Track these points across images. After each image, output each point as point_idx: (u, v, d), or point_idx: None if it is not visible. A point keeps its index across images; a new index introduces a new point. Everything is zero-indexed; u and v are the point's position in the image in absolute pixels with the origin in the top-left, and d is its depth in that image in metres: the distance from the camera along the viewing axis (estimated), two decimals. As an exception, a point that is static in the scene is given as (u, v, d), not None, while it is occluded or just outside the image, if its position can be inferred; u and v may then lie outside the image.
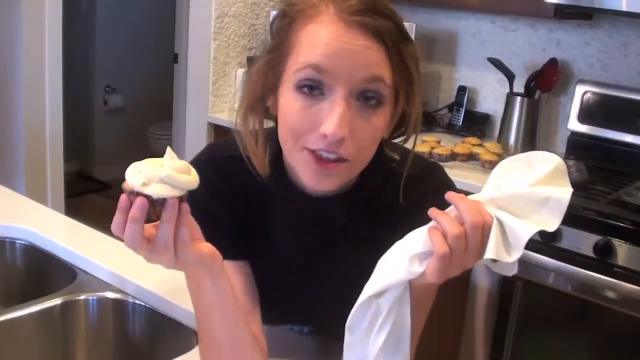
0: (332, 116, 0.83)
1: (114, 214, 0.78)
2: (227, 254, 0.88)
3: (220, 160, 1.00)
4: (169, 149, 0.77)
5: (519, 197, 0.78)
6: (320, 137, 0.84)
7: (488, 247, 0.76)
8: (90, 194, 4.74)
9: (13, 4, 3.05)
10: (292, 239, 1.02)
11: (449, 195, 0.79)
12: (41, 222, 1.52)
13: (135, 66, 5.00)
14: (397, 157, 0.98)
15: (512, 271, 0.79)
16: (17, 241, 1.48)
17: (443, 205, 0.81)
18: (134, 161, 0.78)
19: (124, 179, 0.77)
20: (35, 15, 3.05)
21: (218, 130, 2.93)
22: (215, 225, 0.88)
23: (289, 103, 0.87)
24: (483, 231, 0.77)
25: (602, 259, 1.85)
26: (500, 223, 0.77)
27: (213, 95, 2.94)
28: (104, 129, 4.97)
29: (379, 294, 0.83)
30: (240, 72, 2.97)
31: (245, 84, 0.95)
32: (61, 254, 1.41)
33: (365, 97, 0.85)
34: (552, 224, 0.77)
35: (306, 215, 0.99)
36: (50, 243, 1.43)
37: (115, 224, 0.77)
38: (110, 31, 4.84)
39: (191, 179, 0.77)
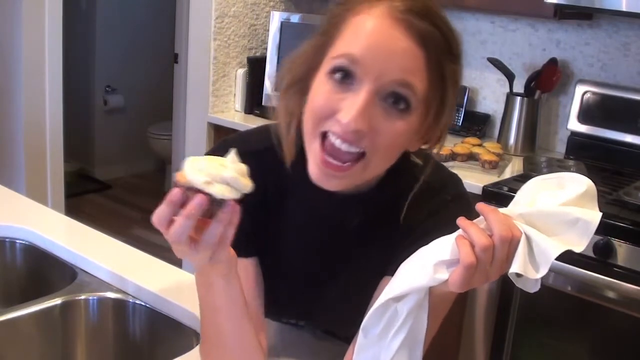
0: (352, 107, 0.82)
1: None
2: (238, 251, 0.87)
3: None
4: (233, 152, 0.78)
5: (549, 216, 0.78)
6: (337, 122, 0.84)
7: (515, 262, 0.76)
8: (90, 194, 4.73)
9: (13, 4, 3.05)
10: (305, 236, 1.02)
11: (480, 207, 0.79)
12: (41, 222, 1.52)
13: (135, 66, 5.00)
14: (420, 162, 0.97)
15: (535, 288, 0.79)
16: (17, 241, 1.48)
17: (460, 215, 0.81)
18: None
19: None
20: (35, 15, 3.06)
21: (218, 130, 2.93)
22: None
23: (319, 86, 0.86)
24: (511, 245, 0.76)
25: (602, 259, 1.85)
26: (529, 239, 0.78)
27: (213, 95, 2.94)
28: (104, 129, 4.98)
29: (398, 298, 0.83)
30: (241, 72, 2.97)
31: (289, 63, 0.94)
32: (61, 254, 1.41)
33: (394, 100, 0.83)
34: (579, 245, 0.78)
35: (322, 213, 0.99)
36: (50, 243, 1.43)
37: (159, 216, 0.76)
38: (110, 31, 4.84)
39: (249, 182, 0.78)
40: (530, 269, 0.77)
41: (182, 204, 0.75)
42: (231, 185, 0.76)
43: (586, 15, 2.41)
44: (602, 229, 1.89)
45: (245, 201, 0.96)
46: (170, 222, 0.75)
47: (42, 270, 1.45)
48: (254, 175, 0.96)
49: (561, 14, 2.26)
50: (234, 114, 2.97)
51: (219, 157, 0.78)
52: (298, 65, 0.92)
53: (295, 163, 0.94)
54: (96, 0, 4.77)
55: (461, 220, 0.78)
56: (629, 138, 2.36)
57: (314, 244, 1.02)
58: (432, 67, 0.84)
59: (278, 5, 3.08)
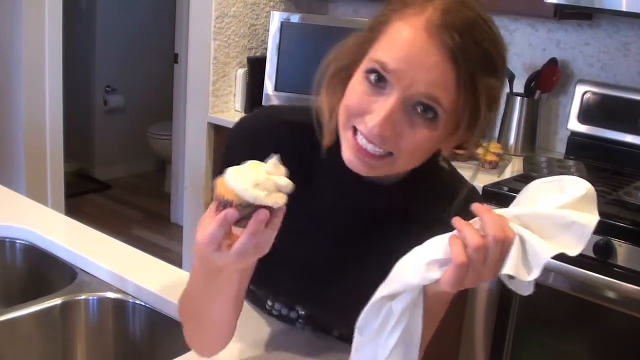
0: (379, 113, 0.85)
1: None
2: None
3: (276, 123, 1.02)
4: (276, 158, 0.78)
5: (545, 218, 0.78)
6: (365, 124, 0.87)
7: (507, 263, 0.76)
8: (90, 194, 4.74)
9: (13, 3, 3.05)
10: (322, 222, 1.03)
11: (475, 207, 0.79)
12: (41, 222, 1.52)
13: (135, 66, 5.00)
14: (447, 167, 1.01)
15: (528, 291, 0.79)
16: (17, 241, 1.48)
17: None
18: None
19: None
20: (35, 15, 3.06)
21: (218, 130, 2.93)
22: None
23: (355, 84, 0.89)
24: (504, 246, 0.76)
25: (602, 259, 1.85)
26: (522, 241, 0.77)
27: (213, 95, 2.94)
28: (104, 129, 4.98)
29: (393, 296, 0.83)
30: (241, 72, 2.97)
31: (335, 52, 0.96)
32: (61, 254, 1.41)
33: (422, 109, 0.86)
34: (574, 249, 0.77)
35: (347, 199, 1.00)
36: (50, 243, 1.43)
37: (212, 237, 0.76)
38: (110, 31, 4.85)
39: (290, 182, 0.79)
40: (522, 271, 0.76)
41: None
42: (282, 191, 0.77)
43: (586, 15, 2.41)
44: (602, 229, 1.89)
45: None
46: (219, 244, 0.77)
47: (42, 270, 1.45)
48: (283, 143, 0.97)
49: (561, 14, 2.26)
50: (234, 114, 2.97)
51: (259, 162, 0.78)
52: (343, 55, 0.94)
53: (331, 147, 0.96)
54: (96, 0, 4.77)
55: (456, 220, 0.79)
56: (629, 138, 2.36)
57: (329, 230, 1.03)
58: (463, 82, 0.85)
59: (278, 5, 3.08)
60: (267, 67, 2.85)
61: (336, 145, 0.94)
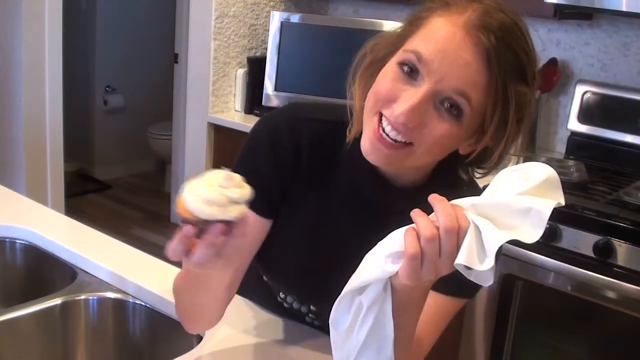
0: (407, 102, 0.86)
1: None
2: (256, 207, 0.90)
3: (297, 120, 1.03)
4: (226, 170, 0.80)
5: (502, 206, 0.76)
6: (392, 111, 0.88)
7: (460, 253, 0.74)
8: (90, 194, 4.73)
9: (13, 4, 3.05)
10: (340, 214, 1.04)
11: (431, 197, 0.79)
12: (41, 222, 1.52)
13: (135, 66, 5.00)
14: (465, 178, 1.03)
15: (488, 281, 0.77)
16: (17, 241, 1.48)
17: None
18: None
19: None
20: (35, 15, 3.06)
21: (218, 130, 2.93)
22: (258, 175, 0.90)
23: (387, 71, 0.91)
24: (458, 237, 0.75)
25: (602, 259, 1.85)
26: (478, 230, 0.75)
27: (213, 95, 2.94)
28: (104, 129, 4.98)
29: (361, 290, 0.83)
30: (241, 72, 2.97)
31: (373, 44, 0.97)
32: (61, 254, 1.41)
33: (449, 105, 0.87)
34: (532, 236, 0.75)
35: (363, 195, 1.01)
36: (50, 243, 1.43)
37: (174, 251, 0.81)
38: (110, 31, 4.84)
39: (248, 188, 0.80)
40: (475, 260, 0.74)
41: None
42: (238, 202, 0.78)
43: (586, 15, 2.41)
44: (602, 229, 1.90)
45: (281, 160, 0.99)
46: (187, 250, 0.80)
47: (42, 270, 1.45)
48: (303, 139, 1.00)
49: (561, 14, 2.26)
50: (234, 114, 2.97)
51: (214, 175, 0.79)
52: (380, 47, 0.95)
53: (354, 142, 0.97)
54: (96, 0, 4.77)
55: (414, 212, 0.78)
56: (629, 138, 2.36)
57: (341, 226, 1.04)
58: (494, 85, 0.86)
59: (278, 5, 3.08)
60: (267, 67, 2.85)
61: (359, 139, 0.95)
